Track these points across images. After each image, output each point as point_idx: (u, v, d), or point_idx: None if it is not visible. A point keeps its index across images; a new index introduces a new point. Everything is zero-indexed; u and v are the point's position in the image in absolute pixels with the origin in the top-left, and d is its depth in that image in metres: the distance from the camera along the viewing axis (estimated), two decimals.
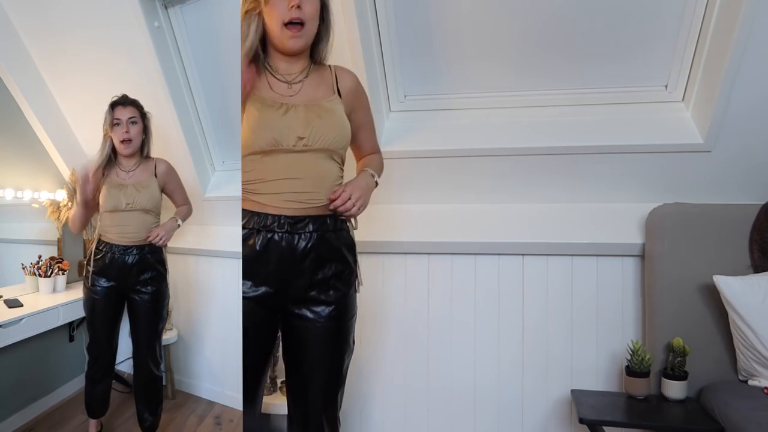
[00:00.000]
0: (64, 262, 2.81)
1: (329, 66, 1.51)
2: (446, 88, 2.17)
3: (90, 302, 2.21)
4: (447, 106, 2.20)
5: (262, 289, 1.41)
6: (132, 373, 2.40)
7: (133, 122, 2.15)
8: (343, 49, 1.91)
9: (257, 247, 1.38)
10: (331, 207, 1.39)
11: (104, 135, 2.18)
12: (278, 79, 1.43)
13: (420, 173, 2.22)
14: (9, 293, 2.63)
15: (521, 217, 2.21)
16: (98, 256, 2.19)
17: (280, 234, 1.37)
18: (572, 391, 1.99)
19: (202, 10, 2.34)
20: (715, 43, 1.72)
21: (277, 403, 2.22)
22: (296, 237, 1.39)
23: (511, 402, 2.20)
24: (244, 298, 1.42)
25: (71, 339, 2.89)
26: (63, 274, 2.78)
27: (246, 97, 1.39)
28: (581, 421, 1.73)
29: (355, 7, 1.85)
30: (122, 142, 2.13)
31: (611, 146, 1.97)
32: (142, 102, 2.22)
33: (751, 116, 1.77)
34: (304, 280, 1.42)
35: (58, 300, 2.57)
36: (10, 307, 2.40)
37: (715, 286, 1.79)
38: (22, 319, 2.32)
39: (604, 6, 1.83)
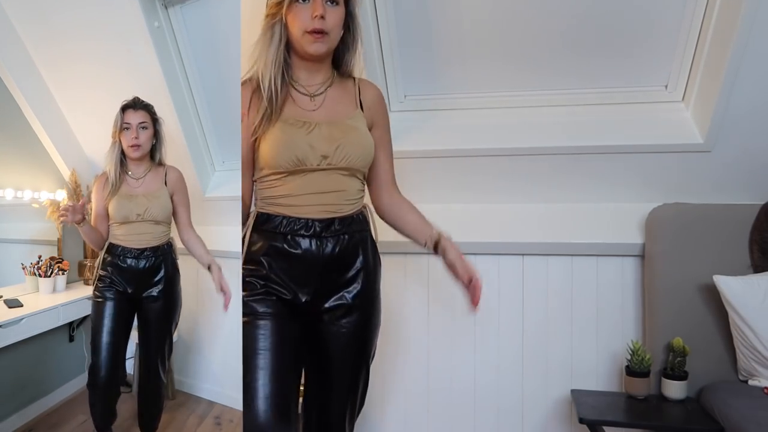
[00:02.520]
0: (64, 262, 2.81)
1: (354, 78, 1.45)
2: (446, 88, 2.17)
3: (99, 314, 2.10)
4: (447, 106, 2.20)
5: (290, 295, 1.36)
6: (132, 373, 2.40)
7: (143, 127, 2.10)
8: None
9: (290, 251, 1.34)
10: (476, 308, 1.49)
11: (112, 140, 2.12)
12: (300, 92, 1.37)
13: (420, 173, 2.22)
14: (9, 293, 2.63)
15: (521, 217, 2.21)
16: (109, 262, 2.13)
17: (308, 238, 1.33)
18: (572, 391, 1.99)
19: (202, 10, 2.34)
20: (715, 43, 1.72)
21: None
22: (325, 241, 1.35)
23: (511, 402, 2.20)
24: (263, 310, 1.34)
25: (71, 339, 2.88)
26: (63, 274, 2.77)
27: (244, 115, 1.35)
28: (581, 421, 1.73)
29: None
30: (131, 146, 2.08)
31: (611, 146, 1.97)
32: None
33: (751, 116, 1.77)
34: (330, 285, 1.37)
35: (58, 300, 2.57)
36: (10, 307, 2.40)
37: (715, 286, 1.79)
38: (22, 319, 2.31)
39: (603, 6, 1.83)
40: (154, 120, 2.15)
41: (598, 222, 2.12)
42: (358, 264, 1.39)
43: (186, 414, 2.81)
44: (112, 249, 2.15)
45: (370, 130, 1.43)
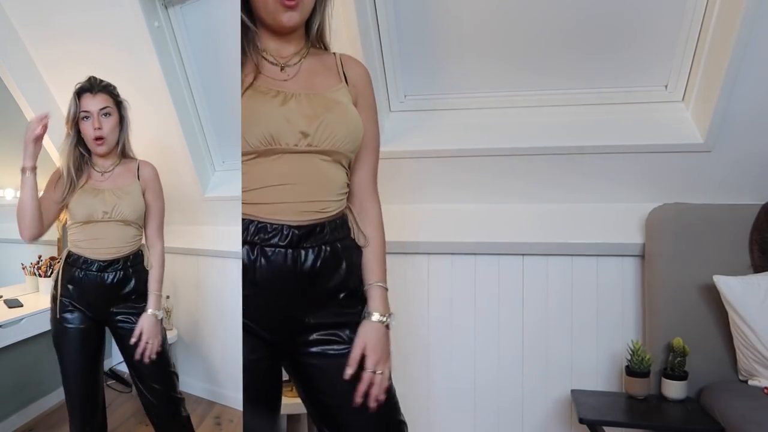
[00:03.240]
0: None
1: (334, 53, 1.23)
2: (446, 88, 2.17)
3: (60, 340, 1.74)
4: (447, 106, 2.20)
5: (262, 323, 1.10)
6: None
7: (106, 114, 1.71)
8: (343, 48, 1.91)
9: (255, 266, 1.07)
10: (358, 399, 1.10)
11: (66, 132, 1.75)
12: (269, 61, 1.14)
13: (420, 173, 2.22)
14: (9, 293, 2.63)
15: (521, 217, 2.21)
16: (69, 277, 1.74)
17: (282, 250, 1.07)
18: (572, 391, 1.99)
19: (202, 10, 2.34)
20: (715, 43, 1.72)
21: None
22: (303, 252, 1.09)
23: (511, 402, 2.20)
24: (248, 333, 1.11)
25: None
26: None
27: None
28: (581, 421, 1.73)
29: (355, 7, 1.85)
30: (94, 140, 1.70)
31: (611, 146, 1.97)
32: (142, 102, 2.06)
33: (751, 116, 1.77)
34: (313, 310, 1.12)
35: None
36: (10, 307, 2.40)
37: (715, 286, 1.79)
38: (22, 319, 2.32)
39: (604, 6, 1.83)
40: (118, 103, 1.76)
41: (598, 222, 2.12)
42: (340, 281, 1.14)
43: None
44: (71, 260, 1.76)
45: None
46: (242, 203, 1.09)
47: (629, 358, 1.87)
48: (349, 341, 1.13)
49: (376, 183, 1.25)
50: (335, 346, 1.13)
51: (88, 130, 1.70)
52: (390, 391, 1.19)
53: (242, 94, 1.07)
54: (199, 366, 3.07)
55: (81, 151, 1.75)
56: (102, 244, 1.74)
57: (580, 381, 2.11)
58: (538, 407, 2.17)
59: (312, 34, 1.20)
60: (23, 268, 2.75)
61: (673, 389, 1.81)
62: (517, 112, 2.12)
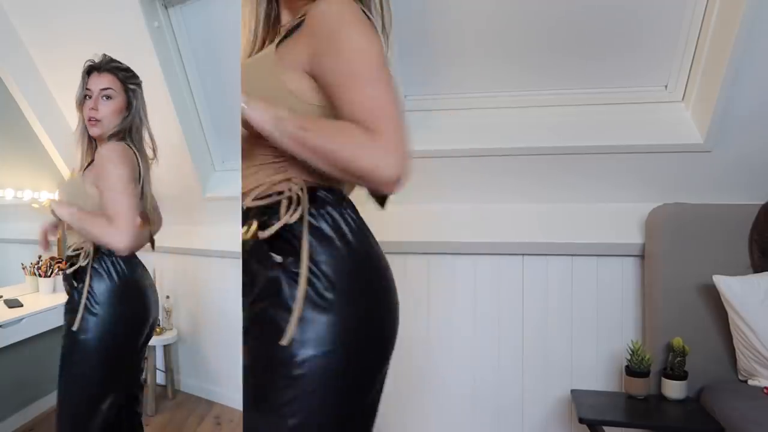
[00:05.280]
0: (64, 262, 2.81)
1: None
2: (446, 88, 2.17)
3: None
4: (447, 107, 2.20)
5: None
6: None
7: (106, 96, 1.54)
8: None
9: None
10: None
11: (78, 117, 1.59)
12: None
13: (419, 173, 2.20)
14: (9, 293, 2.63)
15: (521, 217, 2.21)
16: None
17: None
18: (572, 390, 1.99)
19: (202, 10, 2.34)
20: (715, 43, 1.72)
21: None
22: None
23: (511, 402, 2.20)
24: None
25: None
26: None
27: None
28: (581, 421, 1.73)
29: None
30: (88, 120, 1.54)
31: (611, 146, 1.97)
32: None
33: (751, 116, 1.77)
34: None
35: (58, 300, 2.57)
36: (10, 307, 2.40)
37: (715, 286, 1.79)
38: (22, 319, 2.32)
39: (603, 6, 1.83)
40: (126, 88, 1.58)
41: (598, 222, 2.12)
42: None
43: (186, 414, 2.81)
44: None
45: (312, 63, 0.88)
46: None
47: (629, 357, 1.87)
48: None
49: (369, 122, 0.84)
50: None
51: (86, 109, 1.55)
52: None
53: None
54: (199, 366, 3.07)
55: (90, 137, 1.59)
56: (71, 241, 1.59)
57: (580, 381, 2.11)
58: (538, 407, 2.17)
59: None
60: (23, 268, 2.75)
61: (673, 389, 1.81)
62: (517, 112, 2.12)
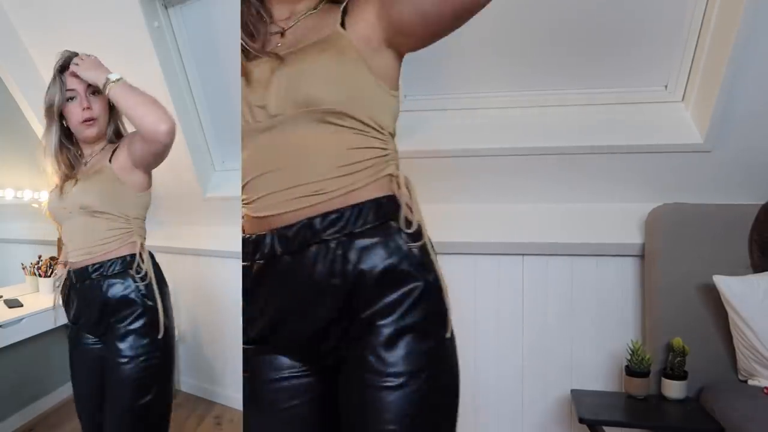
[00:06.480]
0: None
1: None
2: (446, 88, 2.17)
3: (70, 361, 1.53)
4: (447, 106, 2.20)
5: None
6: None
7: (94, 92, 1.41)
8: None
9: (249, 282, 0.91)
10: None
11: (47, 122, 1.42)
12: (271, 33, 0.95)
13: (419, 173, 2.21)
14: (9, 293, 2.63)
15: (521, 217, 2.21)
16: (63, 291, 1.52)
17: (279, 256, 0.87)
18: (572, 391, 1.99)
19: (202, 10, 2.34)
20: (715, 43, 1.72)
21: None
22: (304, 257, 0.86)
23: (511, 402, 2.20)
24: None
25: None
26: None
27: None
28: (581, 421, 1.74)
29: None
30: (84, 122, 1.40)
31: (611, 146, 1.97)
32: None
33: (751, 116, 1.77)
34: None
35: (58, 300, 2.57)
36: (10, 307, 2.40)
37: (715, 286, 1.79)
38: (22, 319, 2.32)
39: (603, 6, 1.83)
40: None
41: (598, 222, 2.12)
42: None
43: (186, 414, 2.81)
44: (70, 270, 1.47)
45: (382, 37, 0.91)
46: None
47: (629, 357, 1.87)
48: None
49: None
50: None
51: (75, 111, 1.40)
52: None
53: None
54: (199, 366, 3.07)
55: (67, 146, 1.45)
56: (74, 246, 1.43)
57: (580, 381, 2.11)
58: (538, 407, 2.17)
59: None
60: (23, 268, 2.75)
61: (673, 389, 1.81)
62: (517, 112, 2.12)
